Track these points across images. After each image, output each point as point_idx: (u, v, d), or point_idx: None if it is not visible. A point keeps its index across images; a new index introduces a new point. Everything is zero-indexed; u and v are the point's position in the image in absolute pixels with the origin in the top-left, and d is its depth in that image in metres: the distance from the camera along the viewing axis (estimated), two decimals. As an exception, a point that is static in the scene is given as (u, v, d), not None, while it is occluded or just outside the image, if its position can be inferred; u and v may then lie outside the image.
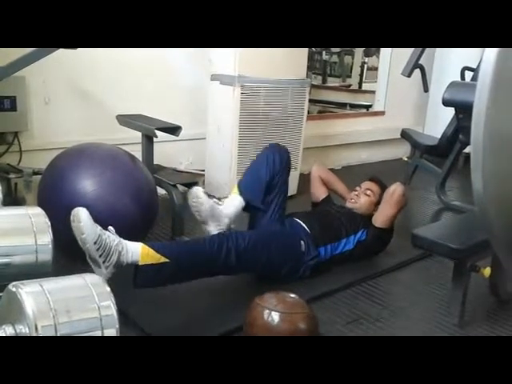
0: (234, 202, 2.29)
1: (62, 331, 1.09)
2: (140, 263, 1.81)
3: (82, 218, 1.77)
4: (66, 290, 1.17)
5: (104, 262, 1.76)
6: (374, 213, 2.53)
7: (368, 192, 2.58)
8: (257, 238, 2.13)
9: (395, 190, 2.39)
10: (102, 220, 2.12)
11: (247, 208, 2.34)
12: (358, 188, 2.63)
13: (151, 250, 1.83)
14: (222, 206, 2.24)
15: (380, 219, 2.42)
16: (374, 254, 2.51)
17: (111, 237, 1.80)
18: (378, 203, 2.55)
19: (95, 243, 1.75)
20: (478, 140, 0.80)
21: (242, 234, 2.08)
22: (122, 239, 1.82)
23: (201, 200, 2.18)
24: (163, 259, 1.83)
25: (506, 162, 0.85)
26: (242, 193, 2.31)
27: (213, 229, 2.21)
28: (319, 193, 2.74)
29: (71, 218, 1.80)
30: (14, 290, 1.12)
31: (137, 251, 1.81)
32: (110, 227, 1.85)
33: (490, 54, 0.81)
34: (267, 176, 2.32)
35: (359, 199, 2.58)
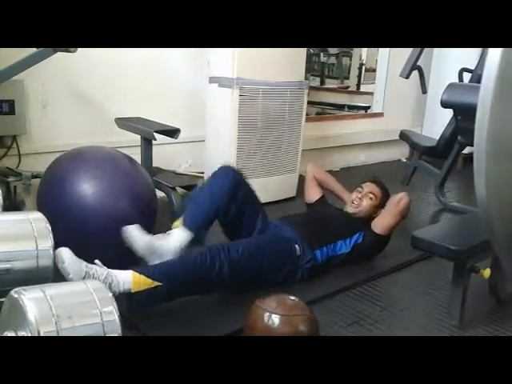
0: (176, 237, 2.07)
1: (64, 337, 1.09)
2: (132, 291, 1.79)
3: (64, 258, 1.72)
4: (68, 296, 1.17)
5: None
6: (373, 216, 2.53)
7: (371, 195, 2.55)
8: (250, 246, 2.10)
9: (401, 199, 2.38)
10: (101, 223, 2.13)
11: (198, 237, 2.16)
12: (359, 189, 2.59)
13: (142, 277, 1.81)
14: (162, 241, 2.04)
15: (380, 226, 2.41)
16: (369, 258, 2.51)
17: (98, 271, 1.76)
18: (379, 206, 2.55)
19: (83, 279, 1.70)
20: (482, 144, 0.80)
21: (234, 245, 2.06)
22: (110, 270, 1.79)
23: (133, 239, 2.00)
24: (156, 283, 1.82)
25: (509, 167, 0.85)
26: (185, 224, 2.11)
27: (157, 261, 2.00)
28: (314, 193, 2.73)
29: (55, 257, 1.72)
30: (16, 296, 1.12)
31: (128, 280, 1.79)
32: (97, 260, 1.81)
33: (493, 58, 0.81)
34: (216, 203, 2.17)
35: (362, 203, 2.55)
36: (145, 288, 1.81)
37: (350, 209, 2.57)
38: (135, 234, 2.00)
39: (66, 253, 1.73)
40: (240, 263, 2.01)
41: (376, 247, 2.47)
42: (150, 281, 1.81)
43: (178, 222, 2.12)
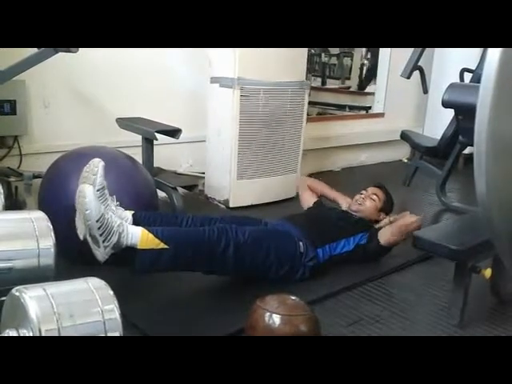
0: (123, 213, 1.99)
1: (66, 335, 1.09)
2: (139, 247, 1.80)
3: (87, 193, 1.74)
4: (70, 294, 1.17)
5: (104, 242, 1.76)
6: (374, 218, 2.56)
7: (374, 197, 2.60)
8: (256, 234, 2.12)
9: (415, 223, 2.39)
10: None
11: None
12: (363, 192, 2.64)
13: (151, 235, 1.83)
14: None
15: (386, 239, 2.41)
16: (366, 261, 2.48)
17: (113, 217, 1.79)
18: (381, 210, 2.59)
19: (97, 221, 1.74)
20: (482, 144, 0.81)
21: (241, 229, 2.07)
22: (123, 221, 1.82)
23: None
24: (162, 245, 1.83)
25: (509, 166, 0.85)
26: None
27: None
28: (310, 200, 2.75)
29: (77, 192, 1.78)
30: (17, 294, 1.12)
31: (137, 234, 1.81)
32: (117, 203, 1.86)
33: (493, 58, 0.81)
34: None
35: (365, 202, 2.59)
36: (151, 247, 1.82)
37: (353, 207, 2.59)
38: (101, 171, 1.82)
39: (89, 189, 1.75)
40: (245, 247, 2.02)
41: (376, 255, 2.48)
42: (157, 241, 1.83)
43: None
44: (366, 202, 2.59)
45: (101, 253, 1.77)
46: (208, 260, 1.98)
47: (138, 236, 1.81)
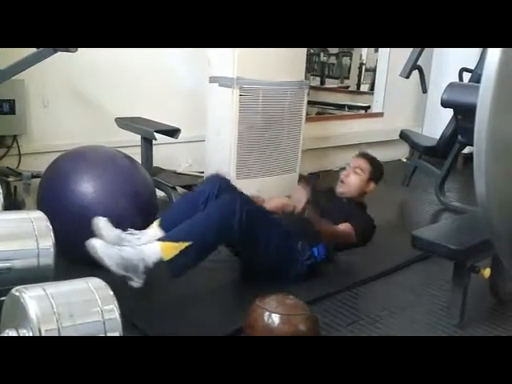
0: (150, 234, 2.06)
1: (66, 335, 1.09)
2: (165, 259, 1.87)
3: (97, 247, 1.81)
4: (70, 294, 1.17)
5: (133, 274, 1.84)
6: (366, 190, 2.48)
7: (357, 170, 2.46)
8: (263, 216, 2.13)
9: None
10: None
11: None
12: (347, 167, 2.51)
13: (169, 243, 1.89)
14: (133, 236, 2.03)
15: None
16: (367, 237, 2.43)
17: (130, 251, 1.85)
18: (369, 180, 2.48)
19: (118, 265, 1.81)
20: (481, 144, 0.81)
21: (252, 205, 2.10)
22: (138, 246, 1.88)
23: (102, 232, 1.94)
24: (184, 244, 1.89)
25: (508, 166, 0.85)
26: (162, 226, 2.10)
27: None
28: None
29: (88, 248, 1.83)
30: (17, 294, 1.12)
31: (156, 250, 1.87)
32: (132, 231, 1.97)
33: (492, 59, 0.81)
34: (192, 205, 2.17)
35: (348, 179, 2.46)
36: (175, 253, 1.88)
37: (339, 189, 2.49)
38: (105, 225, 1.95)
39: (98, 243, 1.81)
40: (253, 219, 2.02)
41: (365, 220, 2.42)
42: (177, 244, 1.89)
43: (156, 223, 2.12)
44: (350, 178, 2.46)
45: (136, 282, 1.86)
46: (227, 233, 1.99)
47: (159, 251, 1.87)
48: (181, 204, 2.28)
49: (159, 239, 1.92)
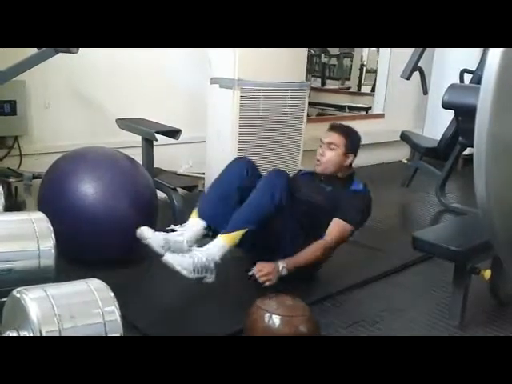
0: (192, 227, 2.16)
1: (66, 336, 1.09)
2: (230, 248, 2.02)
3: (175, 264, 1.92)
4: (70, 296, 1.17)
5: (208, 273, 1.97)
6: (345, 163, 2.30)
7: (332, 146, 2.28)
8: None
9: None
10: (101, 223, 2.14)
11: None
12: (321, 144, 2.33)
13: (229, 235, 2.03)
14: (176, 234, 2.11)
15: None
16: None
17: (200, 257, 1.96)
18: (346, 152, 2.29)
19: (194, 271, 1.94)
20: (482, 147, 0.81)
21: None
22: (204, 248, 2.01)
23: (149, 240, 2.03)
24: (242, 231, 2.03)
25: (508, 169, 0.85)
26: (201, 216, 2.19)
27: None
28: None
29: (165, 263, 1.94)
30: (18, 295, 1.12)
31: (221, 245, 2.01)
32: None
33: (493, 61, 0.81)
34: (226, 187, 2.23)
35: (323, 157, 2.29)
36: (238, 237, 2.03)
37: (317, 169, 2.34)
38: (150, 234, 2.05)
39: (175, 259, 1.95)
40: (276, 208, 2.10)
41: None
42: (235, 233, 2.03)
43: (194, 213, 2.21)
44: (325, 156, 2.29)
45: (210, 278, 1.99)
46: (273, 212, 2.08)
47: (223, 245, 2.01)
48: (212, 192, 2.30)
49: (221, 233, 2.04)
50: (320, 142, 2.35)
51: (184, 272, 1.92)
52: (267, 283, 1.99)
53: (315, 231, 2.21)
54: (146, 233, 2.03)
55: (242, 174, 2.24)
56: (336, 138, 2.30)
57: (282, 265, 2.05)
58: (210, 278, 1.99)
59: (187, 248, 2.06)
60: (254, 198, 2.12)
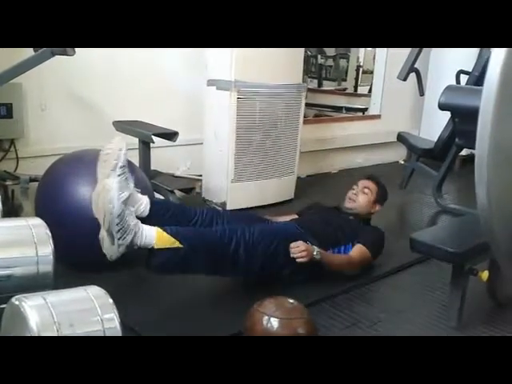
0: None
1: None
2: (155, 246, 1.85)
3: (112, 187, 1.77)
4: (69, 303, 1.17)
5: (119, 239, 1.79)
6: (371, 211, 2.57)
7: (365, 190, 2.57)
8: (266, 233, 2.15)
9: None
10: (99, 226, 2.13)
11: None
12: (355, 187, 2.62)
13: (165, 234, 1.87)
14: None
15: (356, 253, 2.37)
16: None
17: (131, 217, 1.82)
18: (375, 201, 2.57)
19: (118, 216, 1.77)
20: (483, 153, 0.81)
21: (251, 228, 2.10)
22: (139, 221, 1.86)
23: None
24: (177, 244, 1.88)
25: (510, 175, 0.85)
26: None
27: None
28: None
29: (100, 187, 1.79)
30: (17, 303, 1.12)
31: (152, 234, 1.85)
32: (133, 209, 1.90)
33: (495, 66, 0.81)
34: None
35: (357, 198, 2.57)
36: (167, 246, 1.86)
37: (347, 204, 2.57)
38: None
39: (114, 183, 1.78)
40: (256, 245, 2.06)
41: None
42: (172, 239, 1.88)
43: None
44: (359, 198, 2.56)
45: (113, 250, 1.81)
46: (220, 260, 2.01)
47: (154, 236, 1.85)
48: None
49: (159, 227, 1.89)
50: (353, 185, 2.62)
51: (109, 209, 1.75)
52: (300, 260, 2.09)
53: (327, 243, 2.30)
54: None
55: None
56: (371, 184, 2.59)
57: (317, 249, 2.15)
58: (111, 248, 1.80)
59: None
60: (214, 231, 2.06)
